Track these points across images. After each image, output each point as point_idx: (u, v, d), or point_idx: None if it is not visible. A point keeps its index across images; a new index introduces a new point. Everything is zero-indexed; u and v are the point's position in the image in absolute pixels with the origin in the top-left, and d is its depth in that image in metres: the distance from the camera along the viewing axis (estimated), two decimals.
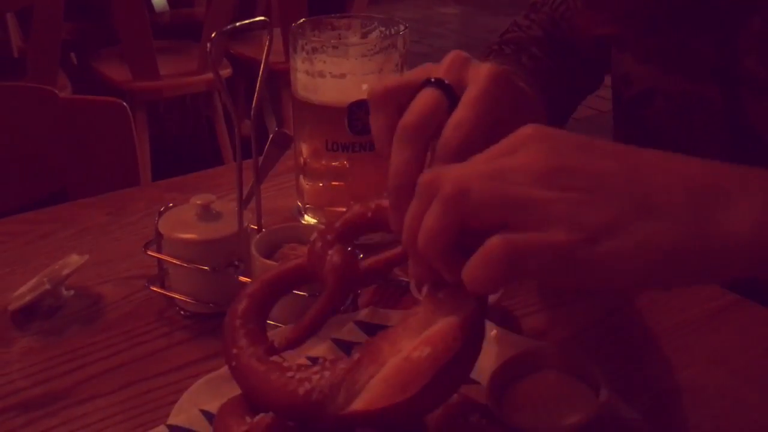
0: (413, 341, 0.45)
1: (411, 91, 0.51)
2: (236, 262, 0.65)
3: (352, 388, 0.45)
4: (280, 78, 2.47)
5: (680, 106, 0.77)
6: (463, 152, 0.47)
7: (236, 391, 0.50)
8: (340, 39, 0.78)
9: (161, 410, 0.56)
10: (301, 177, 0.79)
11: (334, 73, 0.73)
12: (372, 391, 0.44)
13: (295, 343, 0.51)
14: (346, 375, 0.45)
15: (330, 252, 0.52)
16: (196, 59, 2.42)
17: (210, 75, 2.41)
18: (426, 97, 0.50)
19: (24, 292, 0.67)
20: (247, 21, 0.60)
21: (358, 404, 0.44)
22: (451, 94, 0.50)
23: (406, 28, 0.76)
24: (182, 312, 0.67)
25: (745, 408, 0.57)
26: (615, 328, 0.66)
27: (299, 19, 0.76)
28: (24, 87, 1.23)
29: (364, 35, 0.78)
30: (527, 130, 0.44)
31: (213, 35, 0.56)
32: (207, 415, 0.52)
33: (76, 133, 1.11)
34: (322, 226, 0.66)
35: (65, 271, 0.68)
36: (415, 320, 0.46)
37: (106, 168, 1.12)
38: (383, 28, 0.78)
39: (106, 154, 1.13)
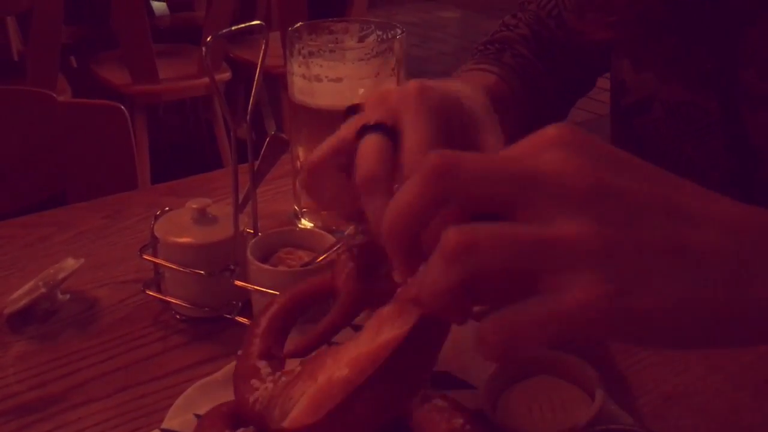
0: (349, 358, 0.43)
1: (347, 149, 0.48)
2: (232, 267, 0.65)
3: (287, 403, 0.43)
4: (279, 81, 2.47)
5: (677, 115, 0.77)
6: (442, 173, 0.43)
7: (231, 396, 0.50)
8: (336, 43, 0.78)
9: (156, 414, 0.56)
10: (298, 181, 0.79)
11: (331, 77, 0.73)
12: (299, 408, 0.43)
13: (303, 352, 0.49)
14: (284, 389, 0.44)
15: (348, 265, 0.51)
16: (196, 63, 2.42)
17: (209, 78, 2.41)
18: (367, 145, 0.46)
19: (20, 295, 0.67)
20: (243, 25, 0.61)
21: (287, 420, 0.43)
22: (389, 131, 0.47)
23: (403, 32, 0.76)
24: (178, 316, 0.67)
25: (740, 414, 0.57)
26: None
27: (299, 22, 0.76)
28: (23, 91, 1.24)
29: (361, 39, 0.78)
30: (550, 131, 0.37)
31: (208, 39, 0.56)
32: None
33: (74, 137, 1.11)
34: (319, 230, 0.67)
35: (61, 275, 0.68)
36: (362, 335, 0.43)
37: (105, 172, 1.12)
38: (380, 32, 0.78)
39: (104, 158, 1.13)
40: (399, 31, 0.76)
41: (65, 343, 0.65)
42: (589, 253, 0.34)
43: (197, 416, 0.52)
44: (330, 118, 0.74)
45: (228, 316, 0.65)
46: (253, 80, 0.57)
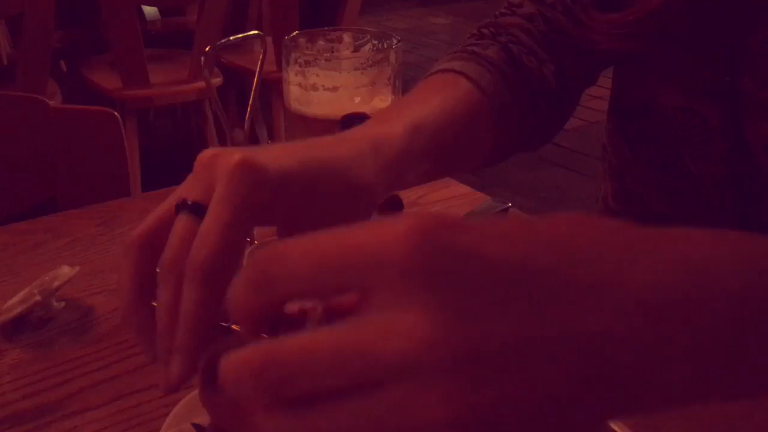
0: None
1: (168, 226, 0.42)
2: None
3: None
4: (270, 87, 2.48)
5: (675, 121, 0.77)
6: (217, 268, 0.39)
7: None
8: (332, 52, 0.78)
9: (152, 423, 0.56)
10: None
11: (327, 86, 0.74)
12: None
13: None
14: None
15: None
16: (187, 68, 2.42)
17: (201, 84, 2.41)
18: (177, 228, 0.42)
19: (14, 303, 0.67)
20: (241, 35, 0.61)
21: None
22: (201, 211, 0.42)
23: (399, 41, 0.76)
24: None
25: (733, 422, 0.58)
26: None
27: (290, 29, 0.76)
28: (14, 96, 1.23)
29: (357, 48, 0.78)
30: (400, 234, 0.29)
31: (207, 49, 0.56)
32: (199, 428, 0.52)
33: (66, 143, 1.10)
34: None
35: (56, 283, 0.67)
36: None
37: (97, 178, 1.12)
38: (376, 42, 0.78)
39: (96, 163, 1.12)
40: (395, 41, 0.76)
41: (60, 351, 0.64)
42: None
43: (195, 425, 0.52)
44: (326, 127, 0.74)
45: (224, 324, 0.65)
46: (245, 85, 0.57)
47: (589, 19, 0.72)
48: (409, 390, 0.28)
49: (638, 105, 0.80)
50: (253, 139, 0.65)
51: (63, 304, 0.69)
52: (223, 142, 2.64)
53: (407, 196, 0.83)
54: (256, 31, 0.62)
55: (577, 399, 0.30)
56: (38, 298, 0.66)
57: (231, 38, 0.59)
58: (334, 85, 0.74)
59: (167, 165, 2.81)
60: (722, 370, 0.32)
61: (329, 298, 0.33)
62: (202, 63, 0.54)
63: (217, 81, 2.45)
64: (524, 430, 0.29)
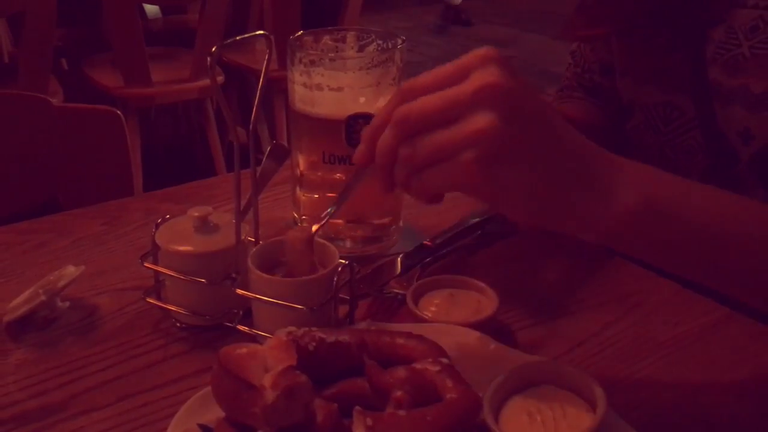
0: None
1: None
2: (233, 275, 0.65)
3: None
4: (272, 85, 2.47)
5: (655, 115, 0.80)
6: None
7: None
8: (337, 52, 0.78)
9: (158, 424, 0.56)
10: (298, 188, 0.80)
11: (332, 86, 0.73)
12: None
13: None
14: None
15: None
16: (189, 66, 2.41)
17: (202, 82, 2.41)
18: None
19: (19, 303, 0.67)
20: (248, 35, 0.61)
21: None
22: None
23: (403, 41, 0.76)
24: (178, 324, 0.67)
25: (739, 424, 0.58)
26: (610, 342, 0.66)
27: (292, 27, 0.77)
28: (18, 94, 1.23)
29: (362, 48, 0.78)
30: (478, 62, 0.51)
31: (213, 49, 0.56)
32: (205, 429, 0.52)
33: (69, 142, 1.10)
34: (320, 240, 0.67)
35: (61, 283, 0.67)
36: None
37: (99, 177, 1.12)
38: (381, 42, 0.78)
39: (99, 162, 1.12)
40: (400, 41, 0.76)
41: (65, 351, 0.64)
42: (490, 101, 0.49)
43: (201, 426, 0.52)
44: (331, 127, 0.74)
45: (229, 324, 0.65)
46: (246, 83, 0.58)
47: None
48: (471, 124, 0.49)
49: (624, 106, 0.85)
50: (253, 136, 0.65)
51: (68, 303, 0.69)
52: (224, 140, 2.63)
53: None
54: (261, 32, 0.62)
55: (556, 181, 0.52)
56: (43, 297, 0.66)
57: (237, 38, 0.59)
58: (339, 85, 0.73)
59: (168, 163, 2.81)
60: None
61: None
62: (208, 63, 0.54)
63: (219, 80, 2.45)
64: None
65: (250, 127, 0.63)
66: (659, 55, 0.79)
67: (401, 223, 0.82)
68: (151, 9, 2.83)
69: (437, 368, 0.52)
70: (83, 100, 1.30)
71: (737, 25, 0.72)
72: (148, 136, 2.59)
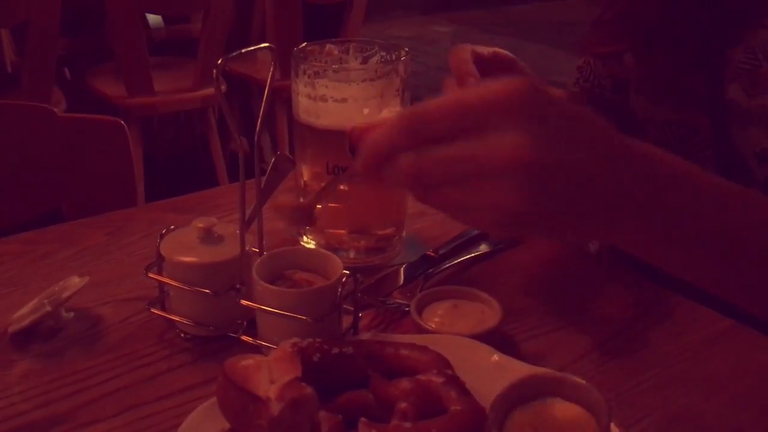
0: None
1: None
2: (238, 286, 0.65)
3: None
4: (273, 95, 2.48)
5: (669, 134, 0.79)
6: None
7: None
8: (341, 64, 0.78)
9: None
10: (301, 199, 0.80)
11: (336, 97, 0.74)
12: None
13: None
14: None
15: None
16: (191, 75, 2.42)
17: (205, 91, 2.41)
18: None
19: (24, 314, 0.67)
20: (252, 48, 0.61)
21: None
22: None
23: (407, 53, 0.76)
24: (183, 335, 0.67)
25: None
26: (614, 353, 0.66)
27: (294, 38, 0.78)
28: (22, 105, 1.23)
29: (365, 60, 0.79)
30: (507, 94, 0.47)
31: (219, 62, 0.56)
32: None
33: (73, 152, 1.11)
34: (324, 251, 0.67)
35: (66, 293, 0.68)
36: None
37: (103, 187, 1.12)
38: (384, 53, 0.78)
39: (103, 173, 1.13)
40: (403, 52, 0.76)
41: (70, 361, 0.65)
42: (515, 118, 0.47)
43: None
44: (335, 139, 0.74)
45: (233, 335, 0.65)
46: (248, 93, 0.58)
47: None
48: (496, 138, 0.46)
49: (637, 123, 0.84)
50: (252, 146, 0.65)
51: (72, 314, 0.69)
52: (227, 150, 2.63)
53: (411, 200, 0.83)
54: (266, 44, 0.62)
55: (582, 205, 0.50)
56: (48, 308, 0.66)
57: (243, 51, 0.59)
58: (343, 97, 0.74)
59: (171, 173, 2.81)
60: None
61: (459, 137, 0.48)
62: (214, 74, 0.54)
63: (222, 89, 2.45)
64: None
65: (255, 137, 0.63)
66: (676, 74, 0.78)
67: (404, 234, 0.82)
68: (153, 18, 2.84)
69: (442, 380, 0.52)
70: (86, 109, 1.30)
71: (757, 45, 0.71)
72: (150, 145, 2.60)
